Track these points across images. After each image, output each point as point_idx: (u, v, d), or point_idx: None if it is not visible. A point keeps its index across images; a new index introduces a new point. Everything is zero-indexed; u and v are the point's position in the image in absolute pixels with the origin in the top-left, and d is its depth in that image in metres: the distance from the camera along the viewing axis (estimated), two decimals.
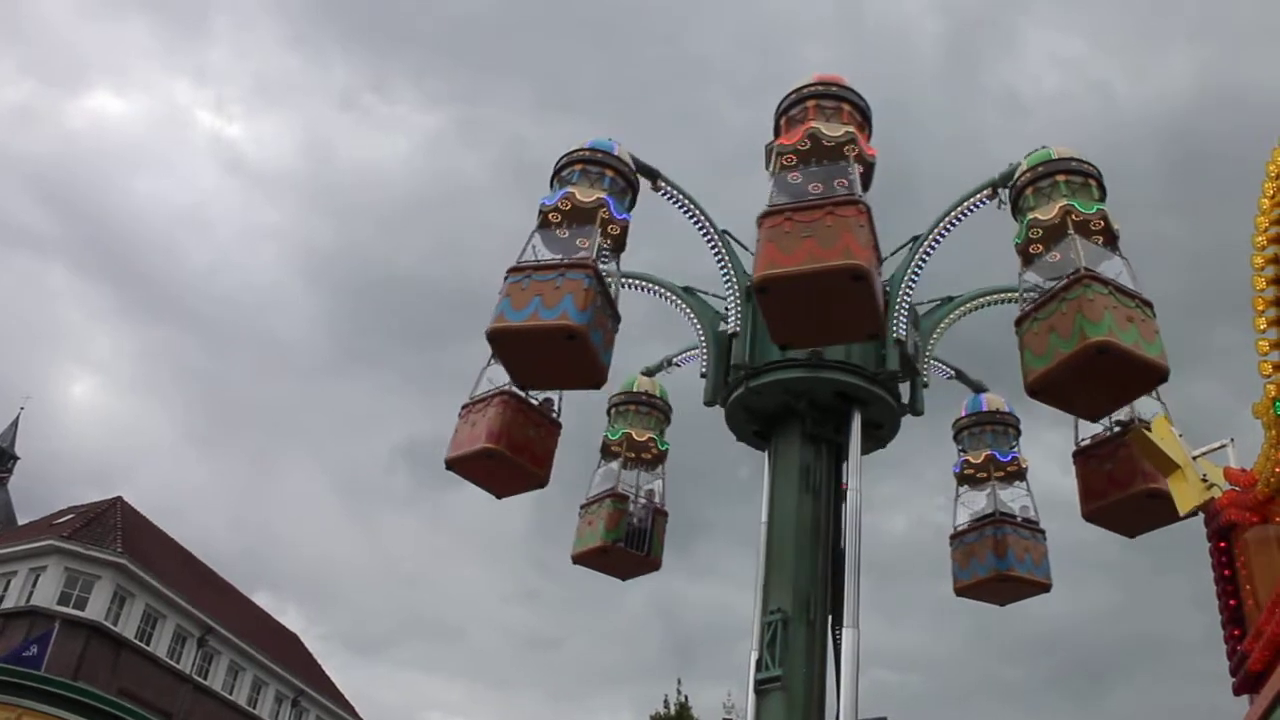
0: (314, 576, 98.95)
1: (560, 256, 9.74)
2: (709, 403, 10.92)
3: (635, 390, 12.72)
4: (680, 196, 11.00)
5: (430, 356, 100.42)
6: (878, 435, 10.73)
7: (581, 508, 12.57)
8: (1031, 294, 9.37)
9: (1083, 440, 11.32)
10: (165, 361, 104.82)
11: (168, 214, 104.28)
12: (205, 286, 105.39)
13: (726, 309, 10.90)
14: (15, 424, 66.22)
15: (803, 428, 10.26)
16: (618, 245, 10.33)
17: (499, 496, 11.79)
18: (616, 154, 10.47)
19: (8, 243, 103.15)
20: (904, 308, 10.55)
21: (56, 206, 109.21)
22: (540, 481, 11.43)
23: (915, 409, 10.73)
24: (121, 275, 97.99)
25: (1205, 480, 7.93)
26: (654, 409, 12.78)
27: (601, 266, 9.71)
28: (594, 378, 9.65)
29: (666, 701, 30.51)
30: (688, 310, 11.28)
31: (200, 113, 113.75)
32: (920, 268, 10.73)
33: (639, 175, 10.67)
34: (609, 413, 12.87)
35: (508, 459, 11.01)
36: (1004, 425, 12.53)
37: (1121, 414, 10.99)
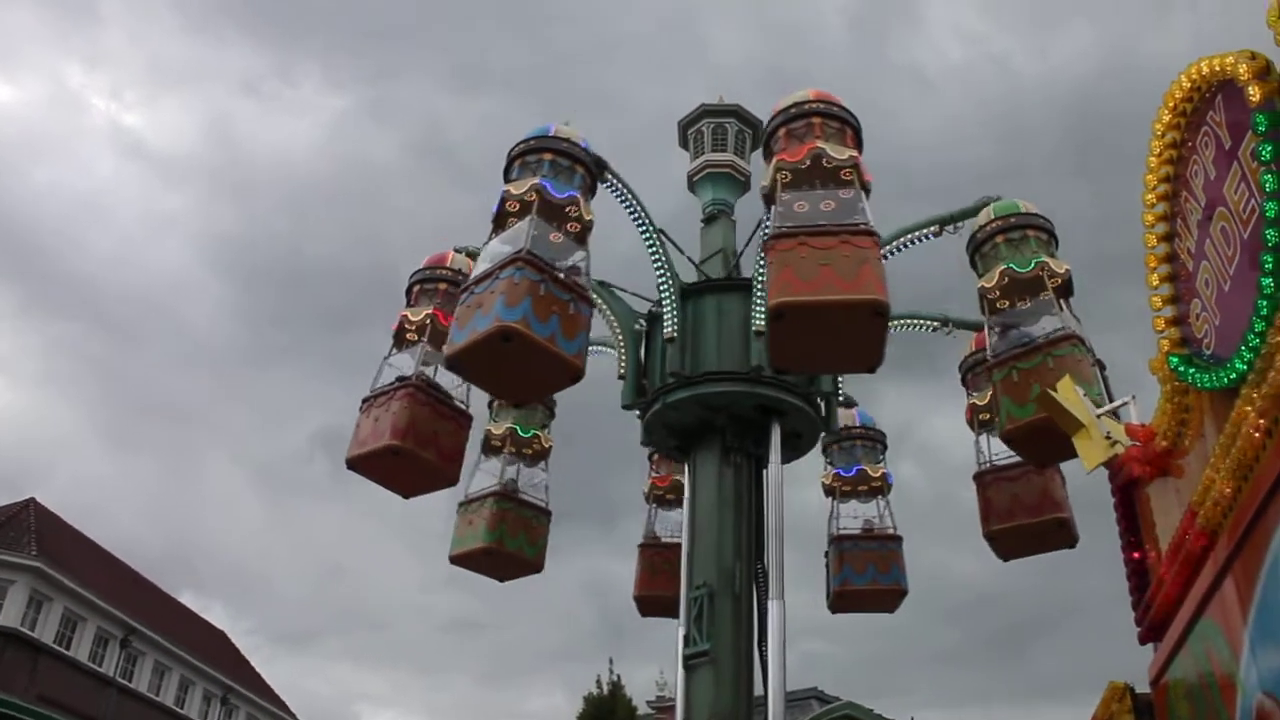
0: (238, 571, 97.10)
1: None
2: (627, 406, 10.63)
3: None
4: (625, 192, 10.43)
5: (348, 340, 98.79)
6: (797, 445, 10.66)
7: (461, 505, 11.94)
8: (1015, 344, 9.79)
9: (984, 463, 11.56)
10: (72, 357, 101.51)
11: (67, 203, 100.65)
12: (110, 276, 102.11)
13: (661, 310, 10.50)
14: None
15: (723, 441, 10.17)
16: (580, 236, 9.66)
17: (406, 496, 10.96)
18: (555, 135, 9.90)
19: None
20: None
21: None
22: (450, 479, 10.77)
23: (829, 426, 10.94)
24: (20, 269, 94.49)
25: (1109, 437, 8.18)
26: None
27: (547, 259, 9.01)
28: (565, 373, 8.86)
29: (599, 681, 30.25)
30: (603, 308, 10.85)
31: (95, 99, 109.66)
32: None
33: (593, 164, 9.99)
34: (490, 406, 12.24)
35: (414, 455, 10.23)
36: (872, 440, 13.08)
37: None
